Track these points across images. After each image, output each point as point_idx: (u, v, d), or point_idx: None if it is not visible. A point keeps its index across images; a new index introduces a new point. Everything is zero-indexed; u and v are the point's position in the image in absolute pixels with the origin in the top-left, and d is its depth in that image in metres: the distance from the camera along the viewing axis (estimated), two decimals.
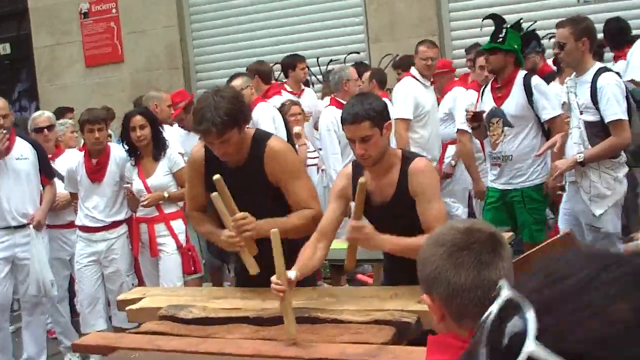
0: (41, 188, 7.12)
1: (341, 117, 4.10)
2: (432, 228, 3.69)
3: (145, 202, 6.71)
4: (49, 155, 7.44)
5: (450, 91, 8.72)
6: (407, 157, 4.11)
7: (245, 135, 4.38)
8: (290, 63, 9.94)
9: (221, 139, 4.17)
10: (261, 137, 4.49)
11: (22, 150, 6.94)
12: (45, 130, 7.58)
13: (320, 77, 11.70)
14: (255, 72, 9.33)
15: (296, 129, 8.11)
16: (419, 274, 2.16)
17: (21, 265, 6.88)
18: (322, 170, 8.31)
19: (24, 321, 7.10)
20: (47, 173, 7.15)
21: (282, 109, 8.23)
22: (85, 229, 6.93)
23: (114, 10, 13.23)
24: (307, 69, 10.31)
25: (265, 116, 7.84)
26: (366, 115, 3.92)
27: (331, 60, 11.79)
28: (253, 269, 4.21)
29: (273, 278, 3.68)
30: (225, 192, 4.13)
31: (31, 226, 6.84)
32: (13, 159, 6.85)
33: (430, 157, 7.34)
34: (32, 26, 13.98)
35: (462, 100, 7.83)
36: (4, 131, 6.74)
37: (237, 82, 8.20)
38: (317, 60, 11.97)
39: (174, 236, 6.73)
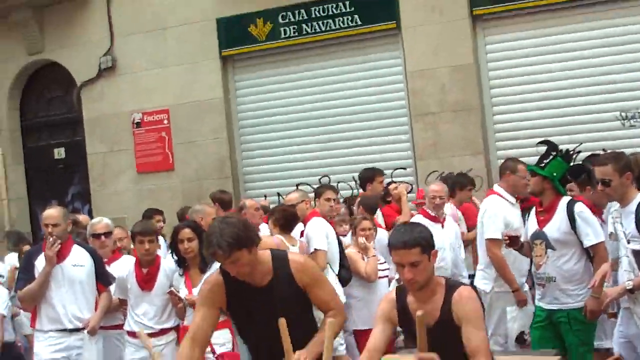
0: (96, 294, 7.33)
1: (390, 242, 4.31)
2: (476, 355, 3.81)
3: (188, 300, 6.85)
4: (105, 260, 7.66)
5: None
6: (451, 285, 4.30)
7: (261, 256, 4.70)
8: (370, 176, 10.14)
9: (229, 260, 4.50)
10: (280, 255, 4.87)
11: (79, 258, 7.20)
12: (103, 236, 7.84)
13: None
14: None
15: (361, 241, 8.27)
16: None
17: None
18: (397, 280, 8.27)
19: None
20: (103, 280, 7.39)
21: (354, 223, 8.45)
22: (134, 334, 7.08)
23: (165, 121, 13.65)
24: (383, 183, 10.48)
25: (319, 230, 8.04)
26: (416, 242, 4.15)
27: None
28: None
29: None
30: (286, 333, 4.38)
31: (85, 331, 7.03)
32: (69, 266, 7.13)
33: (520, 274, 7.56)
34: (86, 133, 14.48)
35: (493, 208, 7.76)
36: (54, 237, 6.98)
37: (293, 196, 8.51)
38: None
39: (210, 345, 6.80)
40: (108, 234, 7.93)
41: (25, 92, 15.67)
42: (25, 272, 7.26)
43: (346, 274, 8.36)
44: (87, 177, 14.58)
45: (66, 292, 7.10)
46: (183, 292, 6.99)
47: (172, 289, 7.04)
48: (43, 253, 7.15)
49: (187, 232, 7.02)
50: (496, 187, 7.92)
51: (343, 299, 8.11)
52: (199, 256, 7.00)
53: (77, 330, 7.12)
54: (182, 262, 7.12)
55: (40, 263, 7.14)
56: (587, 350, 6.65)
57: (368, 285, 8.26)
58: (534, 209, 6.92)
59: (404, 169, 11.99)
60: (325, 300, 4.79)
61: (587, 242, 6.55)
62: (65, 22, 14.58)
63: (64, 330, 7.10)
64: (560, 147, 10.44)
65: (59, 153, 15.37)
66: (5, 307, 8.23)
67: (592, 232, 6.56)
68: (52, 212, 7.28)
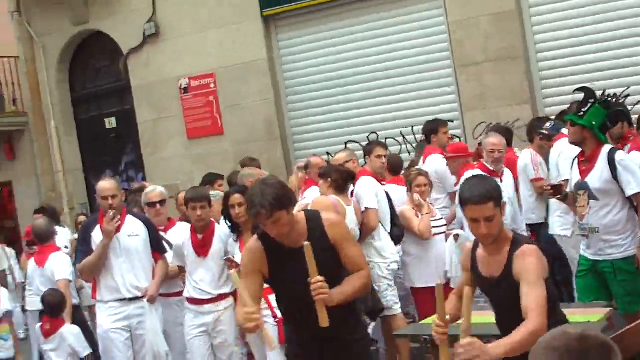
0: (153, 262, 7.48)
1: (463, 197, 4.28)
2: (530, 311, 3.82)
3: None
4: (161, 228, 7.80)
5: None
6: (516, 241, 4.29)
7: (297, 217, 4.86)
8: (433, 128, 10.07)
9: (271, 219, 4.62)
10: (314, 215, 5.01)
11: (134, 228, 7.37)
12: (158, 205, 7.95)
13: (414, 144, 11.89)
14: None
15: (416, 198, 8.25)
16: None
17: (137, 335, 7.29)
18: (455, 235, 8.28)
19: None
20: (158, 248, 7.53)
21: (408, 178, 8.42)
22: (193, 301, 7.26)
23: (212, 85, 13.75)
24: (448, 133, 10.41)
25: (368, 189, 8.12)
26: (490, 196, 4.15)
27: None
28: (324, 321, 4.56)
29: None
30: (312, 256, 4.54)
31: (145, 299, 7.20)
32: (125, 236, 7.28)
33: None
34: (135, 102, 14.64)
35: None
36: (114, 211, 7.13)
37: (341, 155, 8.55)
38: (412, 129, 12.19)
39: (271, 308, 6.87)
40: (163, 202, 8.03)
41: (72, 64, 15.89)
42: (83, 244, 7.42)
43: (398, 231, 8.39)
44: (139, 145, 14.79)
45: (124, 262, 7.26)
46: (238, 258, 7.09)
47: (229, 255, 7.16)
48: (99, 225, 7.29)
49: (237, 197, 7.08)
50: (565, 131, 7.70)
51: (396, 256, 8.21)
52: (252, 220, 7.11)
53: (136, 299, 7.28)
54: (235, 228, 7.23)
55: (97, 235, 7.28)
56: (633, 300, 6.55)
57: (422, 243, 8.25)
58: (576, 159, 6.83)
59: (451, 121, 11.94)
60: (354, 260, 4.91)
61: (629, 191, 6.45)
62: None
63: (124, 299, 7.27)
64: (608, 91, 10.37)
65: (110, 123, 15.56)
66: (69, 273, 8.39)
67: (633, 181, 6.44)
68: (108, 184, 7.41)
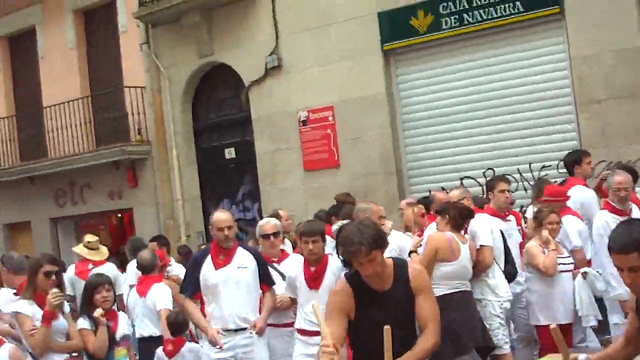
0: (261, 294, 7.58)
1: (609, 244, 4.10)
2: None
3: None
4: (275, 260, 7.90)
5: None
6: None
7: (386, 262, 4.97)
8: (577, 159, 9.85)
9: (369, 258, 4.75)
10: (401, 262, 5.19)
11: (244, 260, 7.48)
12: (272, 237, 8.03)
13: (532, 182, 11.71)
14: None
15: (544, 234, 8.12)
16: None
17: None
18: (584, 273, 8.14)
19: None
20: (266, 280, 7.61)
21: (540, 216, 8.29)
22: (303, 332, 7.29)
23: (330, 118, 13.90)
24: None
25: (484, 226, 8.10)
26: (636, 245, 3.89)
27: (543, 167, 11.81)
28: None
29: None
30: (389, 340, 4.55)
31: (254, 331, 7.30)
32: (235, 268, 7.40)
33: None
34: (254, 133, 14.92)
35: None
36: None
37: (455, 193, 8.55)
38: (530, 166, 12.04)
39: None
40: (277, 234, 8.11)
41: (196, 95, 16.33)
42: (191, 275, 7.55)
43: (512, 269, 8.31)
44: (257, 176, 15.02)
45: (232, 293, 7.36)
46: None
47: None
48: (211, 257, 7.44)
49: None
50: None
51: (509, 295, 8.10)
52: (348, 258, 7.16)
53: (242, 329, 7.37)
54: (348, 261, 7.25)
55: (207, 267, 7.42)
56: None
57: (547, 280, 8.09)
58: None
59: None
60: (427, 314, 5.01)
61: None
62: (232, 23, 15.13)
63: (230, 330, 7.37)
64: None
65: (230, 153, 15.87)
66: (170, 302, 8.62)
67: None
68: (224, 216, 7.57)
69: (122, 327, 7.07)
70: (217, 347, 7.23)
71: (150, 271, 9.01)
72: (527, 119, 12.28)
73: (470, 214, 7.95)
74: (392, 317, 4.78)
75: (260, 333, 7.38)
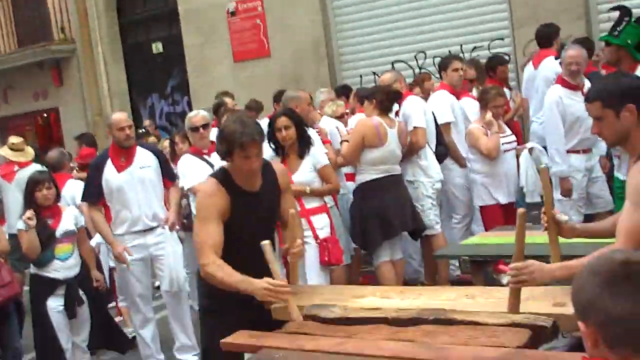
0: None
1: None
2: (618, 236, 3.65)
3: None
4: (205, 151, 7.71)
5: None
6: None
7: None
8: (552, 32, 9.61)
9: (258, 150, 4.57)
10: (265, 161, 4.86)
11: (145, 159, 7.26)
12: (201, 128, 7.80)
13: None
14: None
15: (488, 116, 7.94)
16: (573, 300, 2.22)
17: (157, 260, 7.26)
18: (530, 149, 8.01)
19: (169, 311, 7.48)
20: (169, 176, 7.45)
21: (486, 97, 8.09)
22: None
23: (259, 8, 13.60)
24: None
25: (416, 108, 7.98)
26: (597, 95, 3.84)
27: (475, 48, 11.73)
28: (296, 315, 4.37)
29: None
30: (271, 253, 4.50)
31: (166, 227, 7.16)
32: (137, 168, 7.18)
33: None
34: (182, 26, 14.55)
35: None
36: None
37: (387, 76, 8.38)
38: (461, 47, 11.93)
39: (313, 230, 6.87)
40: (206, 125, 7.91)
41: None
42: (92, 180, 7.25)
43: (443, 149, 8.29)
44: (185, 69, 14.72)
45: (139, 194, 7.15)
46: None
47: None
48: (111, 160, 7.16)
49: (283, 120, 6.98)
50: None
51: (441, 176, 8.11)
52: (297, 143, 7.02)
53: (152, 228, 7.21)
54: (280, 150, 7.14)
55: (109, 170, 7.14)
56: None
57: (490, 161, 8.00)
58: None
59: (501, 39, 11.67)
60: (288, 205, 4.89)
61: None
62: None
63: (140, 231, 7.19)
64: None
65: (157, 47, 15.55)
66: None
67: None
68: (124, 115, 7.35)
69: (66, 223, 6.87)
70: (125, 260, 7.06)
71: (60, 169, 8.85)
72: (458, 1, 12.11)
73: (397, 96, 7.80)
74: (263, 217, 4.72)
75: (172, 227, 7.23)
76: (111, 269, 8.29)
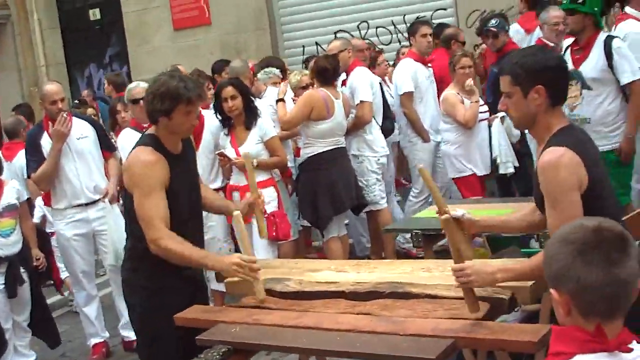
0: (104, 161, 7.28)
1: None
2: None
3: (237, 162, 6.86)
4: (145, 125, 7.56)
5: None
6: (550, 140, 3.51)
7: None
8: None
9: (196, 107, 4.48)
10: None
11: (82, 130, 7.09)
12: (141, 101, 7.62)
13: (406, 34, 11.66)
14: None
15: (468, 83, 7.69)
16: (546, 270, 2.23)
17: (99, 235, 7.11)
18: (502, 117, 7.71)
19: (113, 287, 7.33)
20: (107, 147, 7.30)
21: (452, 60, 7.89)
22: None
23: None
24: None
25: (363, 81, 7.92)
26: (508, 69, 3.58)
27: (417, 17, 11.73)
28: (261, 294, 4.33)
29: None
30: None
31: (106, 199, 7.01)
32: (74, 139, 7.00)
33: None
34: None
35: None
36: (64, 114, 6.88)
37: (336, 44, 8.32)
38: (404, 17, 11.93)
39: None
40: None
41: None
42: (34, 153, 7.05)
43: (390, 124, 8.28)
44: (124, 37, 14.42)
45: (78, 165, 7.00)
46: (230, 151, 6.98)
47: (222, 150, 7.01)
48: (46, 132, 7.00)
49: (230, 90, 6.91)
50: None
51: (386, 150, 8.08)
52: (244, 113, 6.96)
53: (94, 202, 7.08)
54: (227, 121, 7.07)
55: (45, 142, 6.98)
56: (624, 192, 6.47)
57: (466, 131, 7.81)
58: (568, 48, 6.65)
59: (444, 9, 11.69)
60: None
61: (624, 79, 6.34)
62: None
63: (83, 204, 7.06)
64: None
65: (94, 14, 15.18)
66: None
67: (629, 69, 6.33)
68: (56, 87, 7.13)
69: (7, 197, 6.68)
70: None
71: (15, 136, 8.69)
72: None
73: (326, 69, 7.52)
74: (194, 183, 4.67)
75: (113, 200, 7.07)
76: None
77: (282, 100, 7.60)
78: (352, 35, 11.48)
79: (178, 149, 4.55)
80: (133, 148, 4.53)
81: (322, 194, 7.41)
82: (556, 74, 3.50)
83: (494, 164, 7.84)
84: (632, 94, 6.36)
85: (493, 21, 8.46)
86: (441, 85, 8.31)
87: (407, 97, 8.21)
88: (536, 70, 3.46)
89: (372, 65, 9.11)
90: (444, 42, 9.06)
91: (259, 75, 8.41)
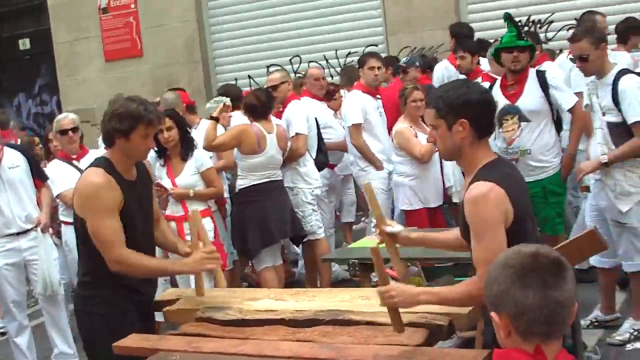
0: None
1: None
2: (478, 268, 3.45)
3: (173, 193, 6.88)
4: (74, 156, 7.51)
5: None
6: (478, 175, 3.54)
7: None
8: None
9: (157, 128, 4.59)
10: None
11: (13, 159, 6.99)
12: (70, 132, 7.52)
13: (338, 69, 11.81)
14: None
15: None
16: (486, 293, 2.32)
17: (31, 265, 7.01)
18: None
19: (45, 317, 7.25)
20: (39, 176, 7.21)
21: (403, 93, 7.85)
22: None
23: (132, 6, 13.39)
24: None
25: (299, 114, 8.01)
26: (433, 103, 3.62)
27: (349, 53, 11.91)
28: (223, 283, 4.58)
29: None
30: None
31: (38, 229, 6.94)
32: (6, 169, 6.91)
33: None
34: (51, 22, 14.15)
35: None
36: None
37: (276, 76, 8.38)
38: (336, 52, 12.09)
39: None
40: (75, 129, 7.59)
41: None
42: None
43: (323, 158, 8.34)
44: (54, 67, 14.32)
45: (9, 195, 6.89)
46: (166, 182, 6.97)
47: (158, 181, 7.00)
48: None
49: (166, 121, 6.90)
50: None
51: (320, 182, 8.17)
52: (180, 144, 6.98)
53: (26, 231, 6.97)
54: (162, 152, 7.07)
55: None
56: (560, 222, 6.86)
57: (421, 165, 7.74)
58: (496, 85, 6.85)
59: (376, 45, 11.87)
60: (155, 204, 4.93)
61: (567, 105, 6.66)
62: None
63: (14, 234, 6.94)
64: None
65: (24, 44, 15.08)
66: None
67: (568, 95, 6.71)
68: None
69: None
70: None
71: None
72: (332, 5, 12.26)
73: (259, 104, 7.53)
74: (146, 209, 4.62)
75: (45, 229, 6.99)
76: None
77: (215, 119, 7.55)
78: (284, 69, 11.60)
79: (132, 174, 4.51)
80: (84, 170, 4.52)
81: (252, 225, 7.44)
82: (479, 107, 3.53)
83: (445, 193, 7.97)
84: (574, 115, 6.69)
85: (404, 59, 9.09)
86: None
87: (355, 129, 8.20)
88: (458, 105, 3.49)
89: (328, 97, 9.26)
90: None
91: (207, 104, 8.31)
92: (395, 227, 4.06)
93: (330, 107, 9.24)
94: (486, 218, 3.36)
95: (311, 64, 11.65)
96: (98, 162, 4.48)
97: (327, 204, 8.63)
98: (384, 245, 4.06)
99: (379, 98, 8.52)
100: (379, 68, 8.43)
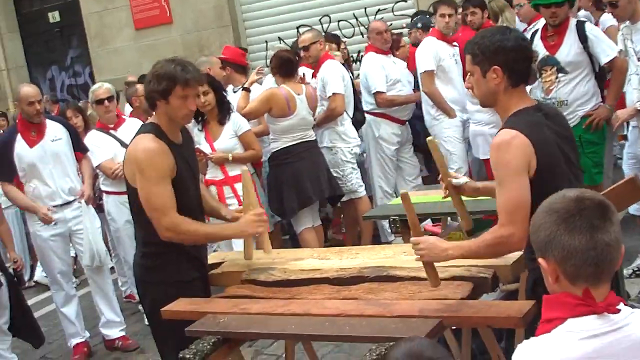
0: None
1: None
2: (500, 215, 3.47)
3: (212, 158, 6.93)
4: (111, 126, 7.57)
5: None
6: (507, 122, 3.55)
7: None
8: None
9: (197, 92, 4.74)
10: None
11: (55, 132, 7.11)
12: (106, 101, 7.57)
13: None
14: None
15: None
16: (532, 239, 2.35)
17: (76, 235, 7.15)
18: None
19: (92, 287, 7.37)
20: (80, 148, 7.32)
21: None
22: None
23: None
24: None
25: (335, 73, 7.98)
26: (470, 49, 3.63)
27: (379, 10, 11.83)
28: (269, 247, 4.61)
29: None
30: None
31: (83, 200, 7.05)
32: (49, 142, 7.03)
33: None
34: None
35: None
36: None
37: (308, 36, 8.33)
38: (365, 10, 12.01)
39: (237, 197, 6.80)
40: (111, 98, 7.65)
41: None
42: (4, 161, 7.02)
43: (360, 116, 8.33)
44: (85, 39, 14.37)
45: (53, 167, 7.02)
46: (204, 147, 7.00)
47: (197, 146, 7.03)
48: (20, 134, 6.98)
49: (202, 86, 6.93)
50: None
51: (358, 140, 8.17)
52: (217, 108, 7.00)
53: (68, 203, 7.10)
54: (200, 117, 7.09)
55: (20, 146, 6.98)
56: (599, 171, 6.74)
57: None
58: (537, 35, 6.83)
59: (405, 1, 11.78)
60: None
61: (605, 59, 6.56)
62: None
63: (59, 205, 7.06)
64: None
65: (54, 17, 15.10)
66: None
67: (607, 48, 6.58)
68: (32, 89, 7.09)
69: None
70: (52, 223, 6.96)
71: None
72: None
73: (289, 60, 7.60)
74: (195, 173, 4.64)
75: (89, 201, 7.12)
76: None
77: (247, 89, 7.71)
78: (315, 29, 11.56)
79: (179, 138, 4.51)
80: (134, 137, 4.49)
81: (287, 187, 7.50)
82: (513, 55, 3.50)
83: None
84: (613, 69, 6.61)
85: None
86: None
87: (427, 76, 8.11)
88: (492, 51, 3.49)
89: (394, 48, 9.04)
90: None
91: None
92: (460, 178, 4.08)
93: (399, 56, 9.03)
94: (507, 165, 3.36)
95: (340, 23, 11.60)
96: (146, 128, 4.47)
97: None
98: (449, 199, 4.09)
99: (455, 45, 8.33)
100: (449, 15, 8.29)
